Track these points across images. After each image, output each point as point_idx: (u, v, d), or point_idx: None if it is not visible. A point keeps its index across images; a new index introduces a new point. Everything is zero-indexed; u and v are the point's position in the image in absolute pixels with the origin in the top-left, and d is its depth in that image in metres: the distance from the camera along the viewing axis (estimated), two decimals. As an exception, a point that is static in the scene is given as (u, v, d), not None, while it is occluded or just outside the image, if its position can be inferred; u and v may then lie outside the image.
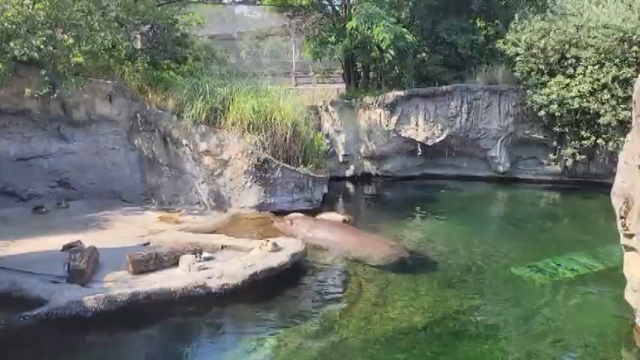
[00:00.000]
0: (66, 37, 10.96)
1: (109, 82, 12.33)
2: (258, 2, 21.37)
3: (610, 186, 7.32)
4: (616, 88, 13.95)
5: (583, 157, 14.99)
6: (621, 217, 6.90)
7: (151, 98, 12.77)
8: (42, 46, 10.41)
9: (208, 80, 12.79)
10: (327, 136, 17.08)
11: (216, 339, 7.14)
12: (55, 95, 11.40)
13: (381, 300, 7.98)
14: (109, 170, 12.89)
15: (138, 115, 12.47)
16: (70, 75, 11.31)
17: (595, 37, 14.29)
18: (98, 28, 11.44)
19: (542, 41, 14.91)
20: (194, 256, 8.51)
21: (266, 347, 6.64)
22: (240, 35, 25.67)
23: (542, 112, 14.89)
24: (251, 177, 12.07)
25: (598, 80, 14.12)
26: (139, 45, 14.68)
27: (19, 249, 9.10)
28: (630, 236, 6.85)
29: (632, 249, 6.90)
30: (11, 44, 10.30)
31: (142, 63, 13.50)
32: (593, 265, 9.33)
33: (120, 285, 7.66)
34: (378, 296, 8.12)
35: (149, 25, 14.25)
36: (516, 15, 16.01)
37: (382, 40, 14.82)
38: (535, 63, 15.05)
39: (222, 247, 9.43)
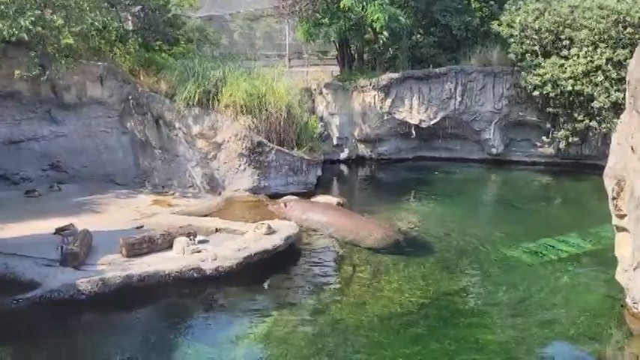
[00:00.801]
0: (55, 17, 10.78)
1: (99, 63, 12.17)
2: (251, -17, 21.11)
3: (602, 168, 7.35)
4: (609, 70, 13.92)
5: (576, 139, 15.02)
6: (613, 199, 6.95)
7: (142, 80, 12.64)
8: (31, 27, 10.23)
9: (201, 62, 12.67)
10: (321, 118, 16.98)
11: (211, 321, 7.16)
12: (45, 77, 11.27)
13: (375, 282, 8.03)
14: (102, 153, 12.80)
15: (130, 98, 12.35)
16: (60, 56, 11.14)
17: (590, 18, 14.22)
18: (88, 8, 11.25)
19: (537, 22, 14.83)
20: (188, 238, 8.50)
21: (260, 329, 6.68)
22: (232, 17, 25.38)
23: (536, 93, 14.86)
24: (245, 160, 12.02)
25: (592, 62, 14.09)
26: (130, 26, 14.49)
27: (12, 232, 9.05)
28: (622, 217, 6.91)
29: (623, 230, 6.96)
30: (-1, 25, 10.14)
31: (133, 44, 13.34)
32: (585, 246, 9.41)
33: (114, 268, 7.65)
34: (371, 278, 8.17)
35: (140, 6, 14.04)
36: (511, -5, 15.89)
37: (377, 20, 14.66)
38: (529, 44, 14.98)
39: (216, 229, 9.43)
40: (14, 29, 10.12)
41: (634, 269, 6.46)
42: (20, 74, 11.06)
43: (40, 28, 10.45)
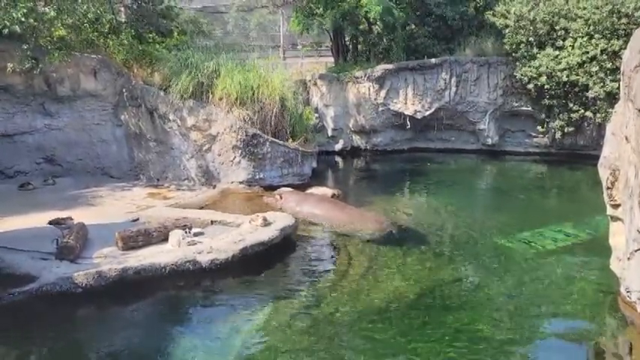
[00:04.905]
0: (47, 9, 10.69)
1: (93, 56, 12.12)
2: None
3: (597, 158, 7.37)
4: (604, 60, 13.95)
5: (571, 129, 15.06)
6: (608, 188, 6.98)
7: (136, 73, 12.58)
8: (23, 19, 10.14)
9: (194, 54, 12.60)
10: (316, 110, 16.98)
11: (207, 313, 7.16)
12: (38, 70, 11.21)
13: (370, 273, 8.04)
14: (96, 146, 12.77)
15: (124, 90, 12.31)
16: (53, 49, 11.07)
17: (585, 8, 14.22)
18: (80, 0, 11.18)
19: (532, 13, 14.83)
20: (184, 231, 8.49)
21: (256, 320, 6.68)
22: (226, 8, 25.25)
23: (530, 85, 14.89)
24: (240, 152, 12.00)
25: (587, 52, 14.10)
26: (122, 18, 14.38)
27: (7, 226, 9.03)
28: (616, 207, 6.94)
29: (617, 219, 6.99)
30: (-9, 16, 10.04)
31: (126, 36, 13.24)
32: (579, 235, 9.45)
33: (109, 261, 7.64)
34: (367, 269, 8.18)
35: (133, -3, 13.95)
36: (506, -14, 15.85)
37: (371, 10, 14.58)
38: (524, 35, 14.98)
39: (212, 222, 9.42)
40: (6, 21, 10.03)
41: (628, 258, 6.50)
42: (13, 67, 10.98)
43: (32, 20, 10.36)
